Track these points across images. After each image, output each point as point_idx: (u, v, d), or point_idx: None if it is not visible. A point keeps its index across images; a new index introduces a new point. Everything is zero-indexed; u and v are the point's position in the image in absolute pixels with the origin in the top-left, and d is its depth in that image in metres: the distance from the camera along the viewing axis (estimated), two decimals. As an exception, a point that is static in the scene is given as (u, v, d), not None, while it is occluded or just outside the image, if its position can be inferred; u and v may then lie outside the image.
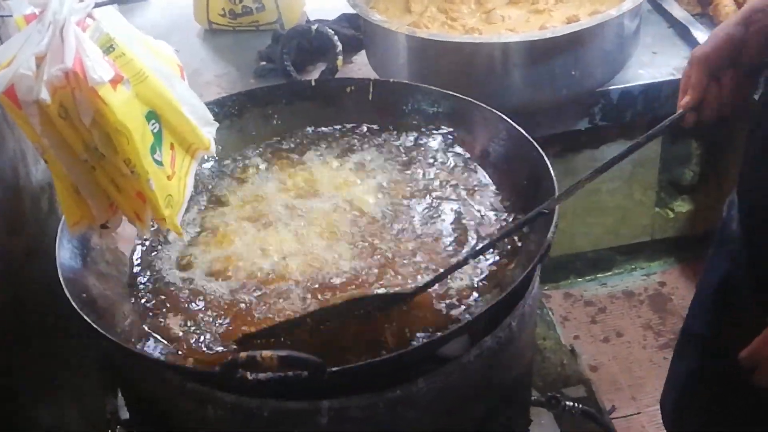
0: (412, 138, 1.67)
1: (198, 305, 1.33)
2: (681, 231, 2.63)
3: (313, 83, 1.77)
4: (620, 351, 2.45)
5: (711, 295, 1.59)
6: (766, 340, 1.25)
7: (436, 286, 1.31)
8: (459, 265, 1.33)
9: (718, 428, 1.60)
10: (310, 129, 1.72)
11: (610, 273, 2.70)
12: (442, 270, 1.32)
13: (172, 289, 1.37)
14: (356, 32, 2.21)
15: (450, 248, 1.41)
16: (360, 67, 2.19)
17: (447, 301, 1.31)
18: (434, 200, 1.52)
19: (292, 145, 1.68)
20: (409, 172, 1.59)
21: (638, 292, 2.63)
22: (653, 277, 2.68)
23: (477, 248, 1.38)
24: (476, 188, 1.54)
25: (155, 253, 1.44)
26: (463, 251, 1.40)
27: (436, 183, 1.55)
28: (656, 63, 2.12)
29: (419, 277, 1.35)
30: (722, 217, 1.54)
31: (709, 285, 1.60)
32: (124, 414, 1.83)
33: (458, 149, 1.63)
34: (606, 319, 2.56)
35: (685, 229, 2.62)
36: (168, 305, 1.34)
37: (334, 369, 1.10)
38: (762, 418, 1.48)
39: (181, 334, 1.29)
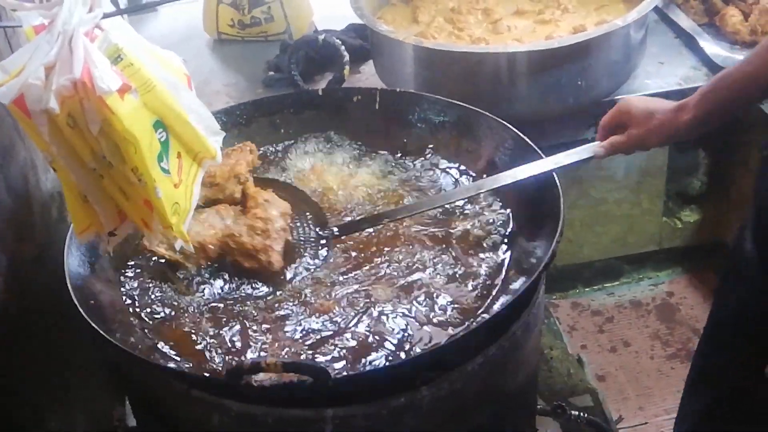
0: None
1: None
2: (689, 240, 2.62)
3: (320, 92, 1.79)
4: (627, 361, 2.44)
5: (725, 322, 1.55)
6: None
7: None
8: (445, 198, 1.51)
9: None
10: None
11: (617, 282, 2.69)
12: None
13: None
14: (363, 42, 2.22)
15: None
16: (367, 76, 2.20)
17: (453, 309, 1.32)
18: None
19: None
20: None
21: (646, 302, 2.62)
22: (661, 286, 2.67)
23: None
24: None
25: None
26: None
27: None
28: (663, 73, 2.12)
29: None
30: (733, 240, 1.52)
31: (723, 312, 1.57)
32: (132, 421, 1.84)
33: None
34: (613, 329, 2.55)
35: (693, 238, 2.61)
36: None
37: (338, 376, 1.11)
38: None
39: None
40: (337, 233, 1.48)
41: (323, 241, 1.47)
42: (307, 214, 1.52)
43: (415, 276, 1.38)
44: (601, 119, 1.54)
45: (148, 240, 1.37)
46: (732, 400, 1.53)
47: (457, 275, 1.38)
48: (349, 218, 1.53)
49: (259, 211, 1.43)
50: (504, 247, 1.44)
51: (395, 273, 1.39)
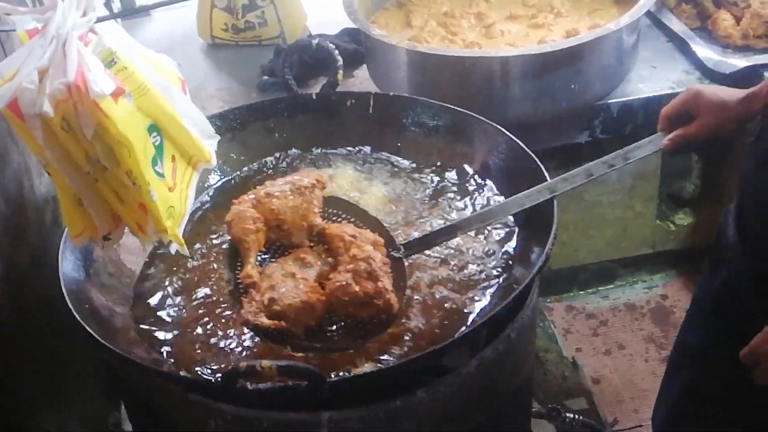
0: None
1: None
2: (682, 243, 2.63)
3: (314, 97, 1.78)
4: (622, 363, 2.45)
5: (708, 304, 1.59)
6: (765, 337, 1.27)
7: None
8: (516, 203, 1.43)
9: None
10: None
11: (611, 286, 2.70)
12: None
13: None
14: (357, 46, 2.23)
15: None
16: (361, 80, 2.21)
17: (446, 311, 1.32)
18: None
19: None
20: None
21: (640, 305, 2.63)
22: (655, 289, 2.68)
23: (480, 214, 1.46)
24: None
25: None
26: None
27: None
28: (656, 77, 2.13)
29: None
30: (717, 227, 1.54)
31: (706, 295, 1.60)
32: (127, 426, 1.84)
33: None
34: (608, 332, 2.56)
35: (686, 241, 2.62)
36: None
37: (333, 379, 1.11)
38: None
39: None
40: (408, 252, 1.40)
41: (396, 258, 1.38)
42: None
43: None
44: (665, 108, 1.51)
45: (246, 312, 1.25)
46: (709, 382, 1.55)
47: (453, 277, 1.38)
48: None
49: (356, 252, 1.30)
50: (498, 250, 1.44)
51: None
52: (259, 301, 1.25)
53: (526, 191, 1.45)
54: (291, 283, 1.27)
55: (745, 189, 1.44)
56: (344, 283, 1.25)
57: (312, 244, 1.39)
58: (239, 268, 1.39)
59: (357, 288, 1.24)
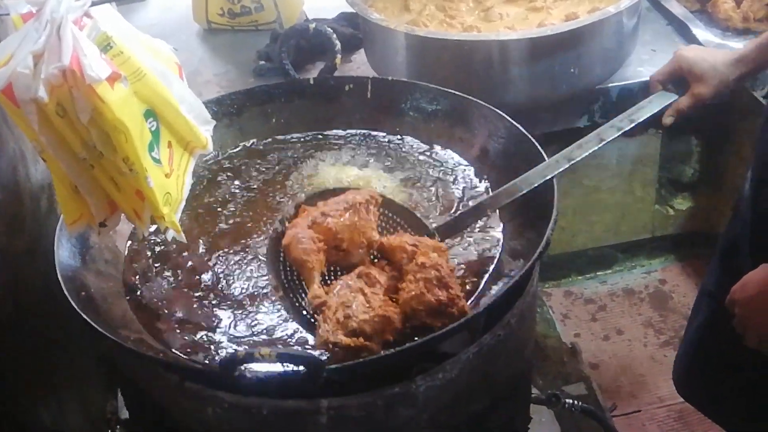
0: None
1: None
2: (682, 228, 2.62)
3: (311, 82, 1.77)
4: (621, 349, 2.45)
5: (720, 252, 1.64)
6: (738, 287, 1.33)
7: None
8: (539, 175, 1.40)
9: (722, 381, 1.67)
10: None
11: (610, 271, 2.70)
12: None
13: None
14: (355, 31, 2.21)
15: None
16: (359, 65, 2.19)
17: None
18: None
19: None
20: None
21: (638, 290, 2.63)
22: (654, 274, 2.68)
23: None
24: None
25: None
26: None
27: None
28: (655, 60, 2.11)
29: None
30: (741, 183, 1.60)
31: (722, 243, 1.65)
32: (125, 414, 1.83)
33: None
34: (606, 317, 2.56)
35: (685, 226, 2.62)
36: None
37: (332, 366, 1.11)
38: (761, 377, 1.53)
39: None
40: (442, 237, 1.37)
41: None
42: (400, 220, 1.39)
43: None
44: (654, 74, 1.56)
45: (324, 331, 1.18)
46: (719, 324, 1.58)
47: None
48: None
49: (423, 260, 1.25)
50: (498, 235, 1.43)
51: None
52: (333, 318, 1.18)
53: (543, 162, 1.43)
54: (362, 298, 1.21)
55: (758, 144, 1.49)
56: (417, 292, 1.21)
57: (372, 260, 1.34)
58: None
59: (430, 297, 1.20)
